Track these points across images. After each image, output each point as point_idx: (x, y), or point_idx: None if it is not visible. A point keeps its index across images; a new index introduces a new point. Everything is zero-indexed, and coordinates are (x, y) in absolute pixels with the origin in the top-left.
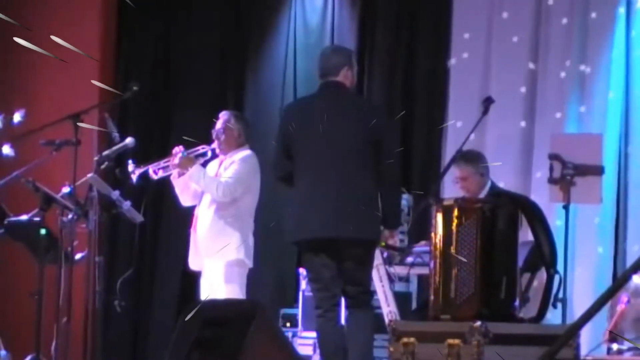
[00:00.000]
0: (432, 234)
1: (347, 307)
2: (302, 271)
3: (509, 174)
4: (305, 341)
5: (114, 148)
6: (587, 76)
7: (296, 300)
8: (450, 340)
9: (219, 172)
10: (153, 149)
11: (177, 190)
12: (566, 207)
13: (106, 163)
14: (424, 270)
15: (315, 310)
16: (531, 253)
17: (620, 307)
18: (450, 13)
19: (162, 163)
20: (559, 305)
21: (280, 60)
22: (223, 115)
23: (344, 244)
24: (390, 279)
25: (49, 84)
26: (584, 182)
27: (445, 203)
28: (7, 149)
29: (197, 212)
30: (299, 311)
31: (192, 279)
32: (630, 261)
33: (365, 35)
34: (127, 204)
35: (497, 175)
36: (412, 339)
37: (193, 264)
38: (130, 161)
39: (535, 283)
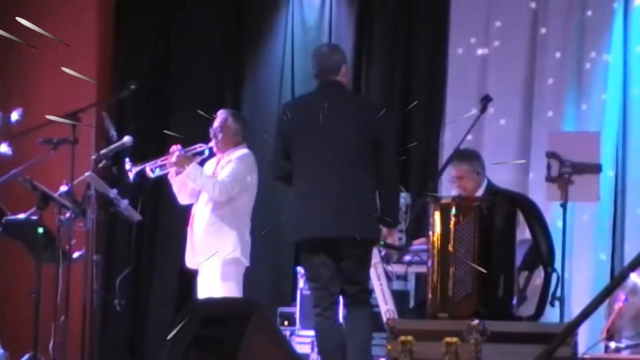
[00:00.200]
0: (430, 233)
1: (345, 305)
2: (300, 270)
3: (506, 172)
4: (303, 340)
5: (112, 147)
6: (584, 74)
7: (294, 299)
8: (448, 339)
9: (217, 170)
10: (151, 147)
11: (175, 188)
12: (564, 206)
13: (104, 161)
14: (422, 269)
15: (314, 309)
16: (529, 251)
17: (617, 305)
18: (448, 11)
19: (159, 161)
20: (557, 303)
21: (278, 58)
22: (221, 114)
23: (343, 244)
24: (388, 277)
25: (47, 83)
26: (582, 180)
27: (443, 201)
28: (4, 148)
29: (194, 210)
30: (297, 310)
31: (190, 278)
32: (627, 259)
33: (363, 33)
34: (124, 203)
35: (494, 173)
36: (410, 338)
37: (190, 262)
38: (127, 159)
39: (537, 281)
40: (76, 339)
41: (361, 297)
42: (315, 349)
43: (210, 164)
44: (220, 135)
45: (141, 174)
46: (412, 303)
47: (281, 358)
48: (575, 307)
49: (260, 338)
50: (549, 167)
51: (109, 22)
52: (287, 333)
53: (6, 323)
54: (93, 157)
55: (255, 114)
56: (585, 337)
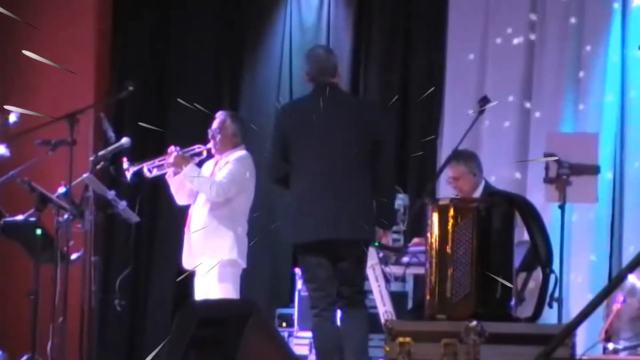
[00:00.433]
0: (428, 234)
1: (341, 307)
2: (298, 271)
3: (504, 173)
4: (301, 341)
5: (110, 148)
6: (583, 76)
7: (292, 300)
8: (446, 340)
9: (215, 172)
10: (148, 148)
11: (173, 189)
12: (562, 207)
13: (102, 163)
14: (420, 270)
15: (311, 310)
16: (528, 253)
17: (616, 307)
18: (446, 12)
19: (156, 161)
20: (555, 304)
21: (276, 59)
22: (219, 115)
23: (341, 245)
24: (386, 278)
25: (45, 84)
26: (580, 181)
27: (441, 203)
28: (2, 149)
29: (192, 211)
30: (295, 311)
31: (188, 279)
32: (625, 261)
33: (361, 34)
34: (122, 204)
35: (492, 174)
36: (408, 339)
37: (187, 263)
38: (124, 159)
39: (531, 284)
40: (74, 340)
41: (357, 298)
42: (313, 350)
43: (208, 165)
44: (218, 137)
45: (139, 174)
46: (410, 304)
47: (279, 359)
48: (574, 309)
49: (258, 339)
50: (547, 168)
51: (107, 22)
52: (285, 334)
53: (4, 324)
54: (91, 158)
55: (253, 115)
56: (583, 338)
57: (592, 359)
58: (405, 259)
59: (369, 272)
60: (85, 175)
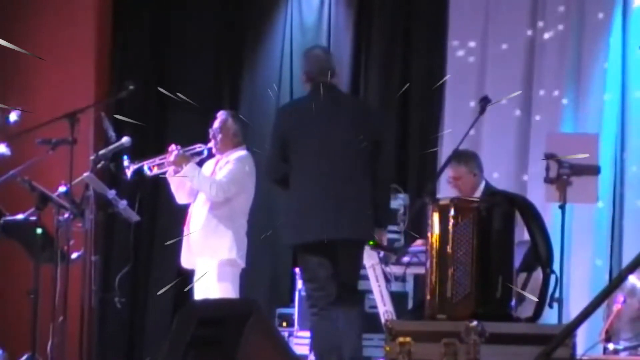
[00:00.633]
0: (429, 234)
1: (340, 306)
2: (299, 271)
3: (505, 173)
4: (301, 341)
5: (110, 147)
6: (583, 76)
7: (292, 300)
8: (447, 340)
9: (215, 171)
10: (149, 148)
11: (173, 187)
12: (562, 207)
13: (102, 162)
14: (420, 270)
15: (310, 309)
16: (528, 253)
17: (616, 307)
18: (447, 12)
19: (157, 160)
20: (555, 305)
21: (277, 59)
22: (220, 115)
23: (341, 244)
24: (387, 278)
25: (45, 83)
26: (580, 181)
27: (442, 202)
28: (3, 148)
29: (191, 210)
30: (295, 311)
31: (188, 278)
32: (625, 261)
33: (362, 34)
34: (123, 203)
35: (492, 175)
36: (408, 339)
37: (186, 262)
38: (125, 157)
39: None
40: (74, 339)
41: (355, 297)
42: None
43: (209, 165)
44: (219, 136)
45: (139, 173)
46: (410, 304)
47: (279, 359)
48: (574, 309)
49: (259, 339)
50: (547, 168)
51: (107, 22)
52: (286, 334)
53: (4, 323)
54: (92, 157)
55: (254, 115)
56: (583, 338)
57: (592, 359)
58: (406, 259)
59: (369, 272)
60: (85, 174)
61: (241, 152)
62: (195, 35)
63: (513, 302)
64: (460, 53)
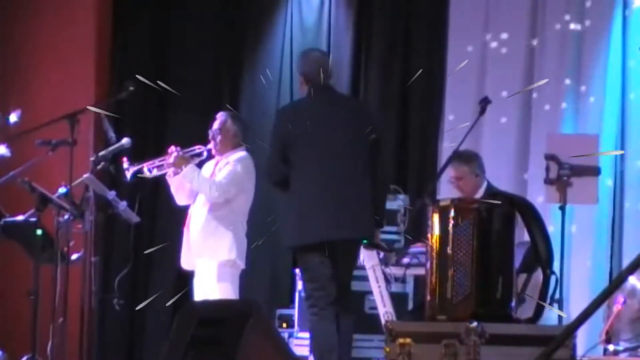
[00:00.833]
0: (429, 235)
1: (337, 307)
2: (299, 271)
3: (505, 174)
4: (301, 342)
5: (110, 148)
6: (583, 77)
7: (292, 301)
8: (447, 341)
9: (215, 172)
10: (148, 149)
11: (173, 189)
12: (562, 208)
13: (102, 163)
14: (421, 271)
15: (310, 309)
16: (528, 254)
17: (616, 308)
18: (447, 12)
19: (157, 161)
20: (555, 305)
21: (277, 60)
22: (220, 116)
23: (342, 244)
24: (387, 279)
25: (45, 84)
26: (580, 182)
27: (442, 203)
28: (3, 149)
29: (191, 211)
30: (295, 312)
31: (188, 279)
32: (626, 262)
33: (362, 35)
34: (123, 204)
35: (493, 175)
36: (408, 340)
37: (186, 263)
38: (125, 158)
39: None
40: (74, 340)
41: (350, 298)
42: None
43: (208, 166)
44: (219, 137)
45: (139, 174)
46: (410, 305)
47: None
48: (574, 310)
49: (259, 339)
50: (547, 169)
51: (107, 22)
52: (286, 335)
53: (5, 324)
54: (92, 158)
55: (254, 115)
56: (583, 339)
57: None
58: (406, 260)
59: (369, 273)
60: (85, 175)
61: (241, 153)
62: (195, 35)
63: (513, 303)
64: (461, 53)
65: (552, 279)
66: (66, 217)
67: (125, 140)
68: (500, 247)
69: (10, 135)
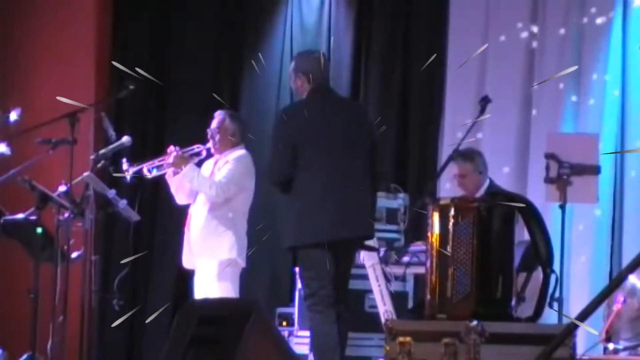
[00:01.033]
0: (429, 234)
1: (337, 306)
2: (301, 270)
3: (504, 173)
4: (301, 340)
5: (110, 147)
6: (583, 76)
7: (292, 300)
8: (447, 340)
9: (214, 171)
10: (148, 148)
11: (172, 188)
12: (562, 207)
13: (102, 162)
14: (421, 270)
15: (313, 307)
16: (527, 252)
17: (616, 307)
18: (447, 13)
19: (156, 162)
20: (555, 304)
21: (277, 60)
22: (218, 115)
23: (344, 244)
24: (387, 278)
25: (45, 83)
26: (581, 181)
27: (442, 202)
28: (3, 148)
29: (191, 210)
30: (295, 310)
31: (188, 278)
32: (626, 261)
33: (362, 35)
34: (123, 203)
35: (492, 174)
36: (408, 338)
37: (187, 262)
38: (124, 160)
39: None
40: (74, 339)
41: (346, 297)
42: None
43: (207, 165)
44: (217, 136)
45: (138, 174)
46: (410, 304)
47: (279, 358)
48: (574, 309)
49: (259, 338)
50: (547, 168)
51: (107, 22)
52: (286, 334)
53: (4, 323)
54: (92, 157)
55: (253, 115)
56: (583, 338)
57: (592, 359)
58: (406, 259)
59: (369, 271)
60: (85, 174)
61: (240, 152)
62: (195, 35)
63: (513, 302)
64: (461, 52)
65: (552, 277)
66: (66, 215)
67: (125, 139)
68: (500, 246)
69: (10, 133)
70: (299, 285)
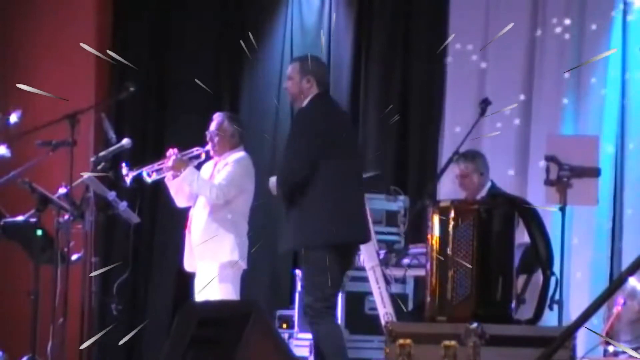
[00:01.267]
0: (429, 236)
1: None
2: (299, 272)
3: (505, 175)
4: (301, 342)
5: (111, 149)
6: (583, 77)
7: (292, 302)
8: (447, 342)
9: (214, 174)
10: (148, 149)
11: (172, 191)
12: (562, 209)
13: (102, 164)
14: (421, 272)
15: (326, 310)
16: (525, 254)
17: (616, 309)
18: (447, 13)
19: (155, 165)
20: (555, 306)
21: (277, 60)
22: (217, 117)
23: (352, 247)
24: (387, 280)
25: (46, 84)
26: (580, 183)
27: (442, 204)
28: (3, 150)
29: (192, 213)
30: (295, 312)
31: (188, 280)
32: (626, 263)
33: (362, 36)
34: (123, 205)
35: (493, 176)
36: (408, 341)
37: (188, 265)
38: (124, 164)
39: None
40: (74, 340)
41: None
42: (313, 352)
43: (207, 167)
44: (216, 139)
45: (137, 178)
46: (410, 306)
47: None
48: (574, 311)
49: (259, 340)
50: (547, 170)
51: (107, 23)
52: (286, 336)
53: (5, 324)
54: (92, 159)
55: (253, 116)
56: (583, 340)
57: None
58: (406, 261)
59: (369, 273)
60: (85, 175)
61: (239, 154)
62: (195, 35)
63: (513, 304)
64: (461, 54)
65: (552, 280)
66: (66, 217)
67: (125, 141)
68: (500, 248)
69: (10, 135)
70: (299, 287)
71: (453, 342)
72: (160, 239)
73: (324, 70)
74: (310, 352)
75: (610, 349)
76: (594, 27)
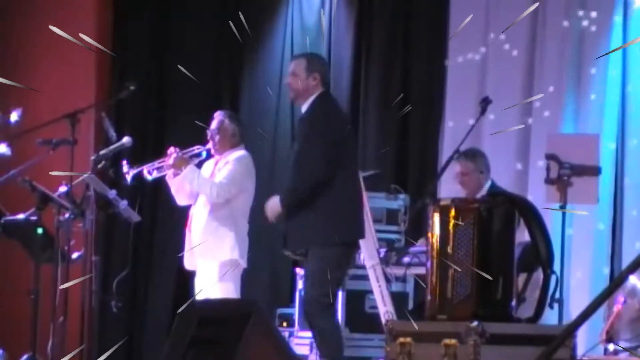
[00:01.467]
0: (429, 234)
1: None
2: (299, 271)
3: (505, 174)
4: (301, 341)
5: (111, 147)
6: (584, 76)
7: (292, 300)
8: (447, 341)
9: (214, 172)
10: (148, 148)
11: (173, 190)
12: (563, 208)
13: (103, 162)
14: (421, 270)
15: (330, 305)
16: (525, 253)
17: (616, 308)
18: (447, 13)
19: (156, 163)
20: (556, 305)
21: (277, 60)
22: (218, 116)
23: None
24: (387, 279)
25: (46, 83)
26: (581, 182)
27: (442, 203)
28: (3, 148)
29: (192, 211)
30: (296, 311)
31: (188, 279)
32: (626, 262)
33: (362, 35)
34: (123, 204)
35: (493, 175)
36: (408, 339)
37: (188, 263)
38: (124, 162)
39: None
40: (74, 339)
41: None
42: (314, 350)
43: (208, 166)
44: (217, 137)
45: (138, 176)
46: (411, 305)
47: (279, 359)
48: (574, 310)
49: (259, 339)
50: (548, 169)
51: (107, 23)
52: (286, 334)
53: (5, 323)
54: (92, 157)
55: (253, 116)
56: (584, 339)
57: None
58: (406, 259)
59: (370, 272)
60: (86, 174)
61: (240, 152)
62: (195, 35)
63: (513, 303)
64: (461, 53)
65: (553, 278)
66: (67, 216)
67: (125, 140)
68: (501, 247)
69: (11, 134)
70: (299, 285)
71: (453, 341)
72: (161, 238)
73: (327, 69)
74: (311, 350)
75: (611, 347)
76: (594, 27)
